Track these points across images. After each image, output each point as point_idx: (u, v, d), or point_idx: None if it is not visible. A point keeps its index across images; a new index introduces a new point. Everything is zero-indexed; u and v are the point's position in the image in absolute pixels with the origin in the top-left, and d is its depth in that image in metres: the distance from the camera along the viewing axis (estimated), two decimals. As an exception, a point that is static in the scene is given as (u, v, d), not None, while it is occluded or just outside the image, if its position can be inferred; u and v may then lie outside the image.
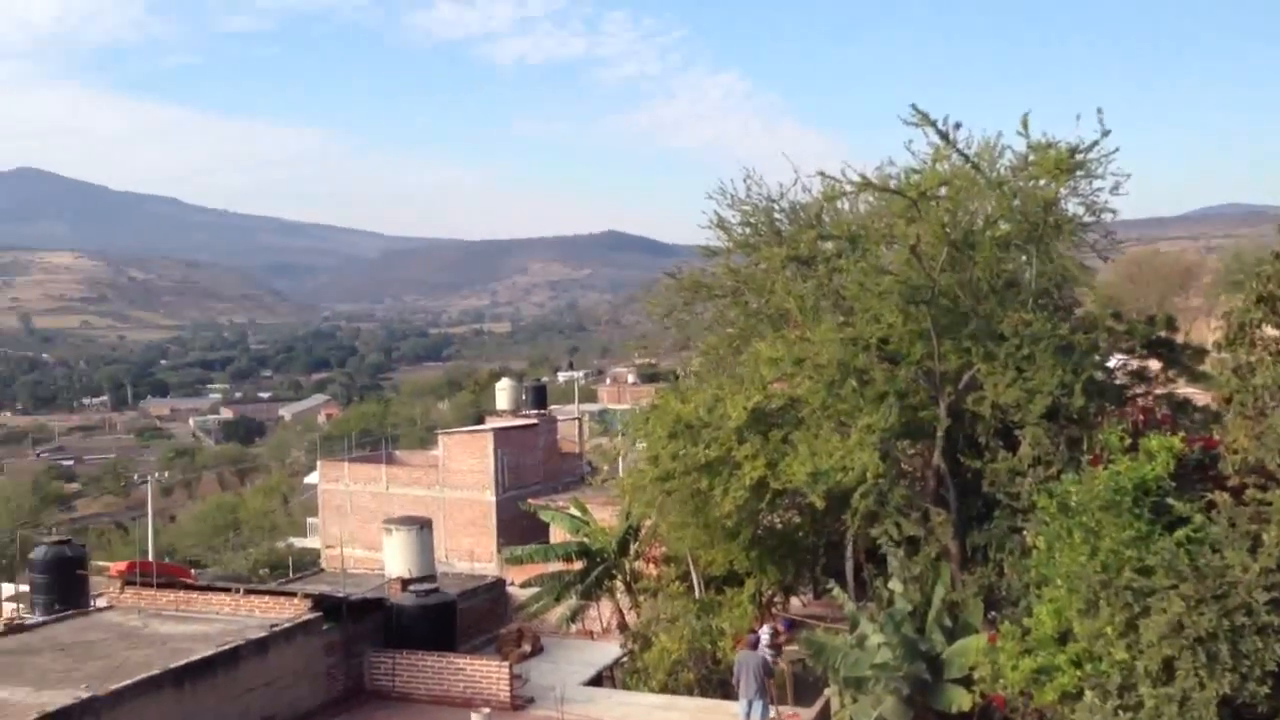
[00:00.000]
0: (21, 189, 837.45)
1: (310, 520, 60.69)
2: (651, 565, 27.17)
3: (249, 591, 20.50)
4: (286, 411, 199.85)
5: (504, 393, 55.44)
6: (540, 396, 54.74)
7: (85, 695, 15.18)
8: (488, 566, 43.06)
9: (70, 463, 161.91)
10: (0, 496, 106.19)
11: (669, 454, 20.24)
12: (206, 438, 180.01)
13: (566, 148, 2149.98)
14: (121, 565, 21.63)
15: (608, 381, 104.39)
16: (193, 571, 27.38)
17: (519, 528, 45.14)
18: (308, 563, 56.62)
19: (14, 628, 19.10)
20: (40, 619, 20.19)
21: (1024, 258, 20.77)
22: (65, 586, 22.37)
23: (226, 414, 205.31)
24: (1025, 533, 17.16)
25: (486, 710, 18.46)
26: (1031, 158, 19.47)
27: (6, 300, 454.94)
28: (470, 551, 46.64)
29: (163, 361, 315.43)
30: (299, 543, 68.67)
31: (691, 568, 24.90)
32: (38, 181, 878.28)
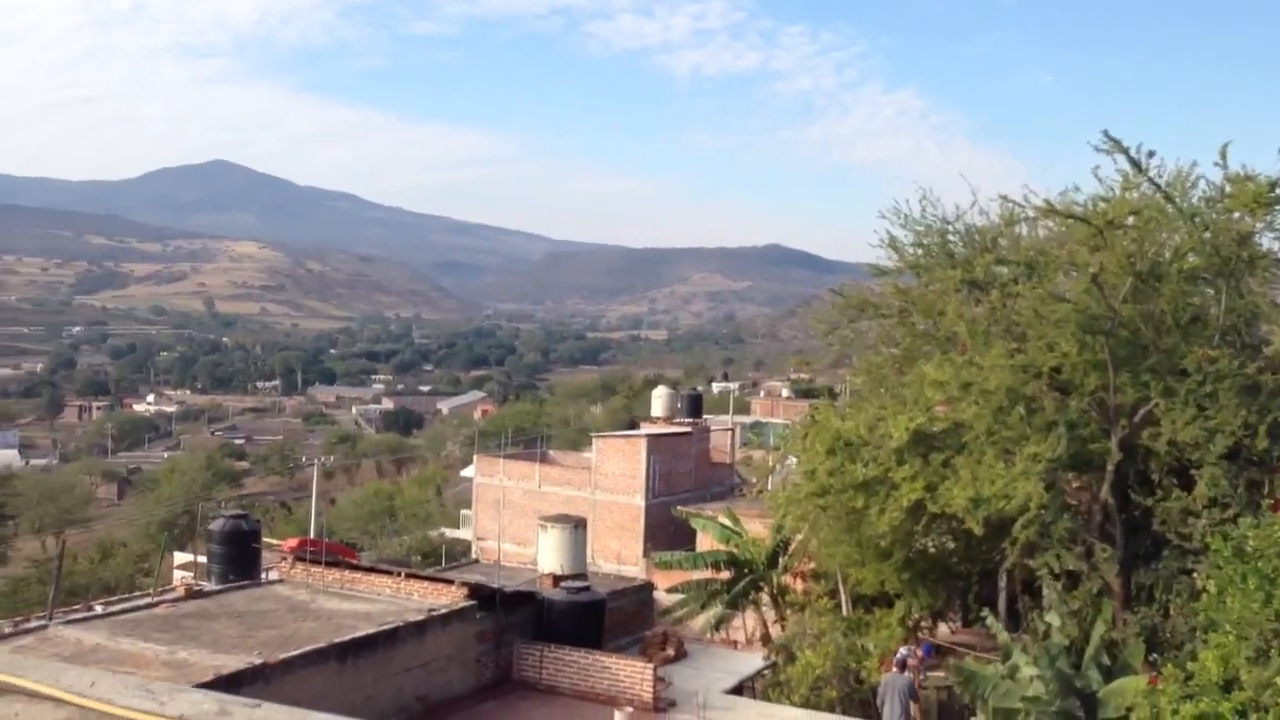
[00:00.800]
0: (215, 181, 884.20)
1: (464, 512, 62.29)
2: (799, 580, 27.06)
3: (409, 575, 21.24)
4: (444, 405, 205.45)
5: (659, 400, 55.87)
6: (695, 405, 54.98)
7: (257, 661, 16.02)
8: (633, 569, 43.51)
9: (242, 441, 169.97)
10: (179, 469, 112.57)
11: (826, 470, 20.18)
12: (367, 426, 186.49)
13: (734, 160, 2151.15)
14: (292, 542, 22.66)
15: (761, 394, 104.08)
16: (356, 553, 28.48)
17: (666, 534, 45.48)
18: (458, 553, 58.24)
19: (194, 594, 20.27)
20: (217, 587, 21.34)
21: (1212, 292, 19.98)
22: (240, 558, 23.53)
23: (387, 404, 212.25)
24: (1195, 575, 16.51)
25: (630, 709, 18.70)
26: (1228, 189, 18.73)
27: (194, 285, 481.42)
28: (617, 554, 47.13)
29: (332, 350, 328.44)
30: (450, 533, 70.62)
31: (840, 585, 24.72)
32: (230, 174, 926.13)
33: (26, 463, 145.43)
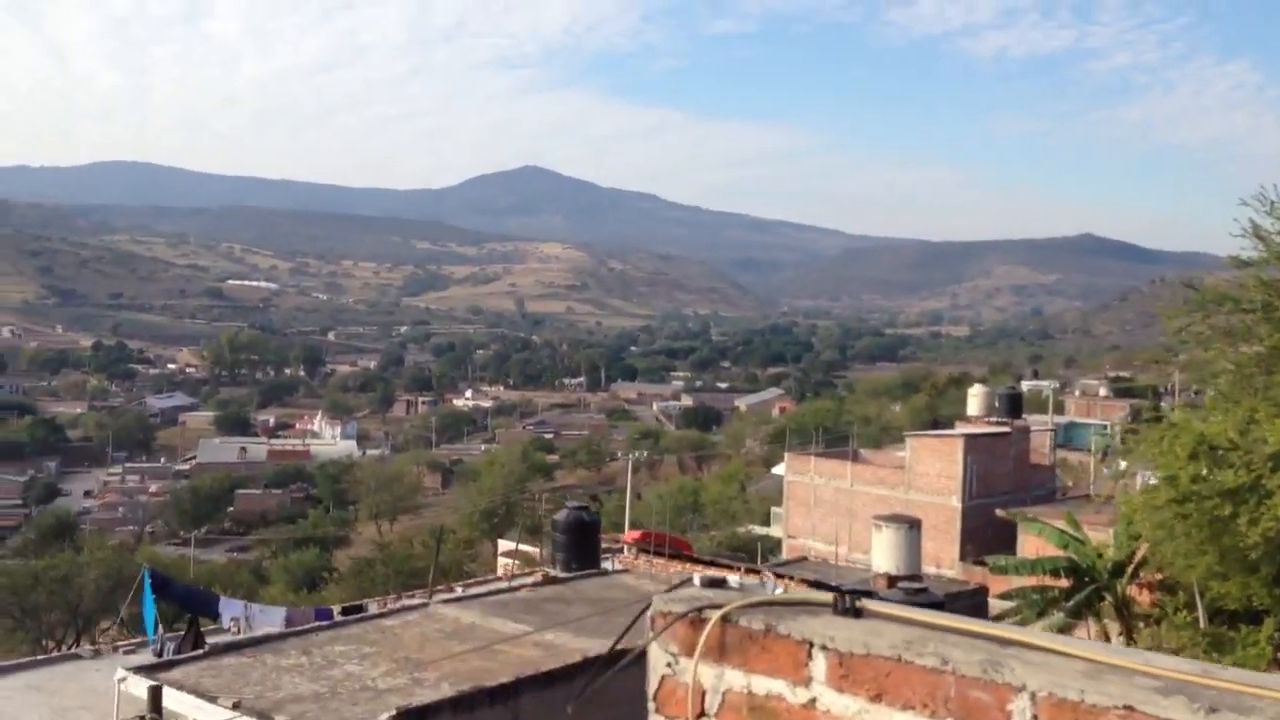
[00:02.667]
0: (525, 186, 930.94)
1: (774, 510, 62.69)
2: (1146, 591, 25.59)
3: (748, 570, 21.71)
4: (742, 402, 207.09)
5: (976, 398, 54.19)
6: (1014, 405, 52.94)
7: (620, 648, 16.86)
8: (949, 573, 42.43)
9: (551, 436, 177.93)
10: (497, 462, 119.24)
11: (1188, 476, 18.98)
12: (668, 422, 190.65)
13: (1041, 146, 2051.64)
14: (634, 534, 23.68)
15: (1076, 393, 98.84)
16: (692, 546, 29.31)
17: (983, 537, 44.08)
18: (767, 549, 58.71)
19: (549, 580, 21.57)
20: (569, 575, 22.58)
21: None
22: (582, 547, 24.82)
23: (687, 401, 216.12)
24: None
25: (976, 716, 18.32)
26: None
27: (507, 286, 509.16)
28: (935, 557, 46.10)
29: (633, 348, 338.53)
30: (757, 530, 71.23)
31: (1197, 599, 23.19)
32: (539, 179, 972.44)
33: (364, 453, 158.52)
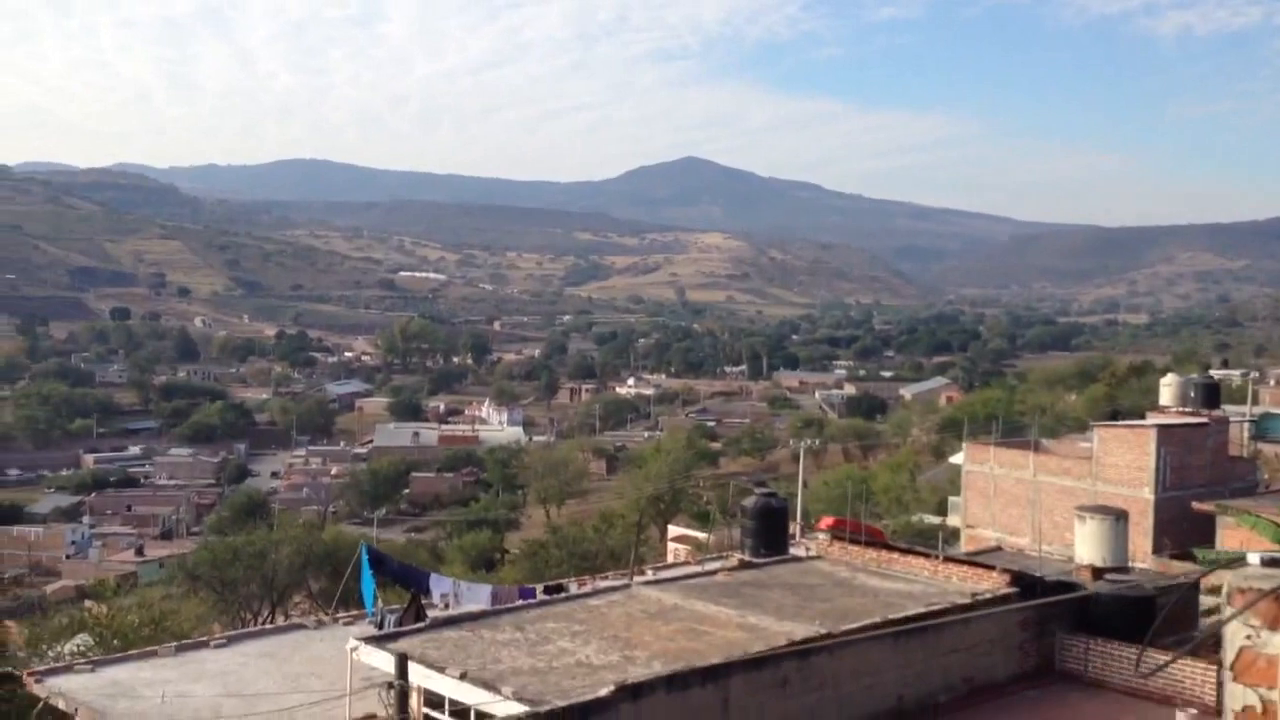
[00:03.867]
0: (685, 177, 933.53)
1: (951, 499, 61.44)
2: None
3: (946, 559, 21.45)
4: (907, 391, 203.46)
5: (1169, 388, 51.98)
6: (1211, 395, 50.56)
7: (821, 630, 16.95)
8: (1141, 566, 40.86)
9: (713, 424, 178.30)
10: (663, 449, 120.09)
11: None
12: (830, 411, 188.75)
13: (1227, 128, 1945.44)
14: (828, 521, 23.67)
15: (1271, 383, 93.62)
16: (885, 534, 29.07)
17: (1178, 530, 42.28)
18: (945, 539, 57.55)
19: (745, 564, 21.78)
20: (764, 560, 22.73)
21: None
22: (770, 532, 24.96)
23: (849, 390, 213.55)
24: None
25: (1192, 711, 17.74)
26: None
27: (667, 275, 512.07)
28: (1128, 551, 44.46)
29: (794, 336, 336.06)
30: (929, 519, 69.93)
31: None
32: (699, 170, 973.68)
33: (530, 439, 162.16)
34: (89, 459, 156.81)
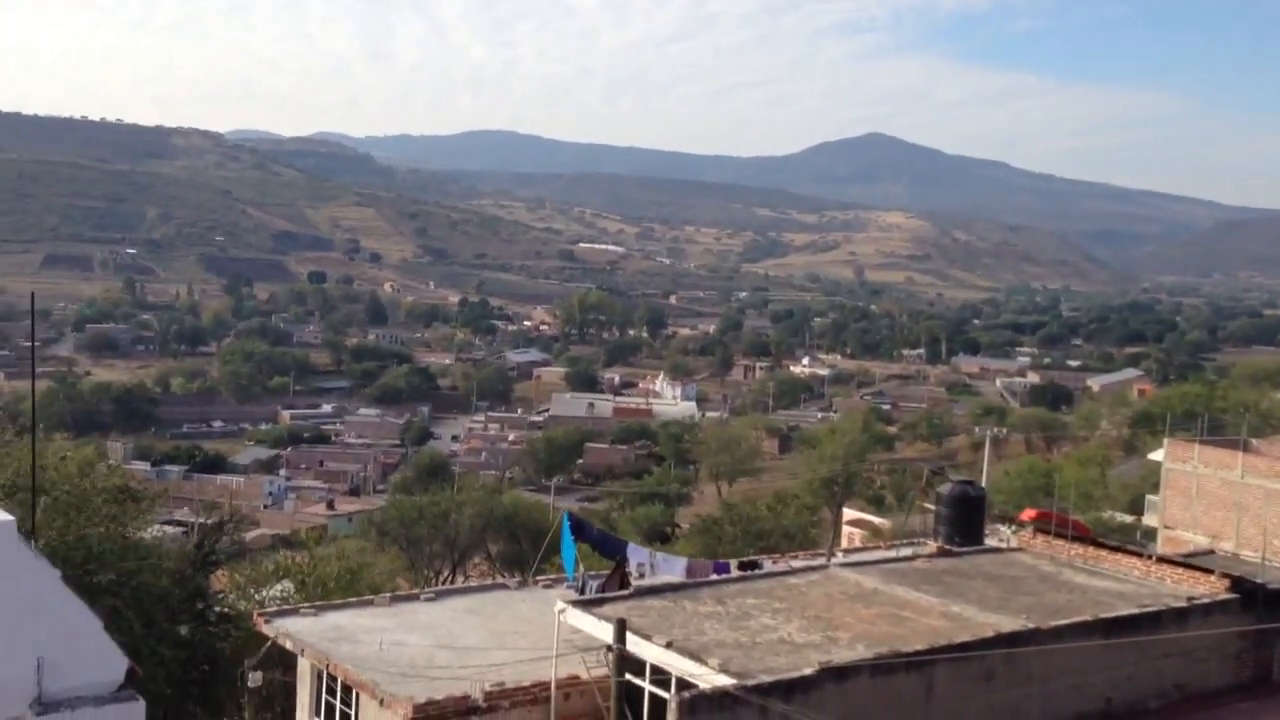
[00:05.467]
0: (868, 153, 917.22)
1: (1149, 498, 58.91)
2: None
3: (1160, 560, 20.65)
4: (1095, 382, 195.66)
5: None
6: None
7: (1030, 625, 16.58)
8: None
9: (889, 407, 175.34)
10: (838, 430, 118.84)
11: None
12: (1012, 399, 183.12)
13: None
14: (1030, 513, 23.07)
15: None
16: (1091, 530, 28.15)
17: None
18: (1141, 539, 55.23)
19: (944, 552, 21.44)
20: (964, 549, 22.32)
21: None
22: (965, 522, 24.45)
23: (1033, 378, 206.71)
24: None
25: None
26: None
27: (845, 254, 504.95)
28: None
29: (976, 321, 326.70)
30: (1121, 517, 67.21)
31: None
32: (881, 146, 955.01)
33: (703, 414, 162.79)
34: (286, 415, 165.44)
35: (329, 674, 18.42)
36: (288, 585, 36.12)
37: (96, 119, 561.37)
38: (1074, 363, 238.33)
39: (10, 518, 8.51)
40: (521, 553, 64.92)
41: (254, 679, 20.57)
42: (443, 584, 56.75)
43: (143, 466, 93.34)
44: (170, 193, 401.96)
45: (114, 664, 8.91)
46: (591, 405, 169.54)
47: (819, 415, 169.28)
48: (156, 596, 25.41)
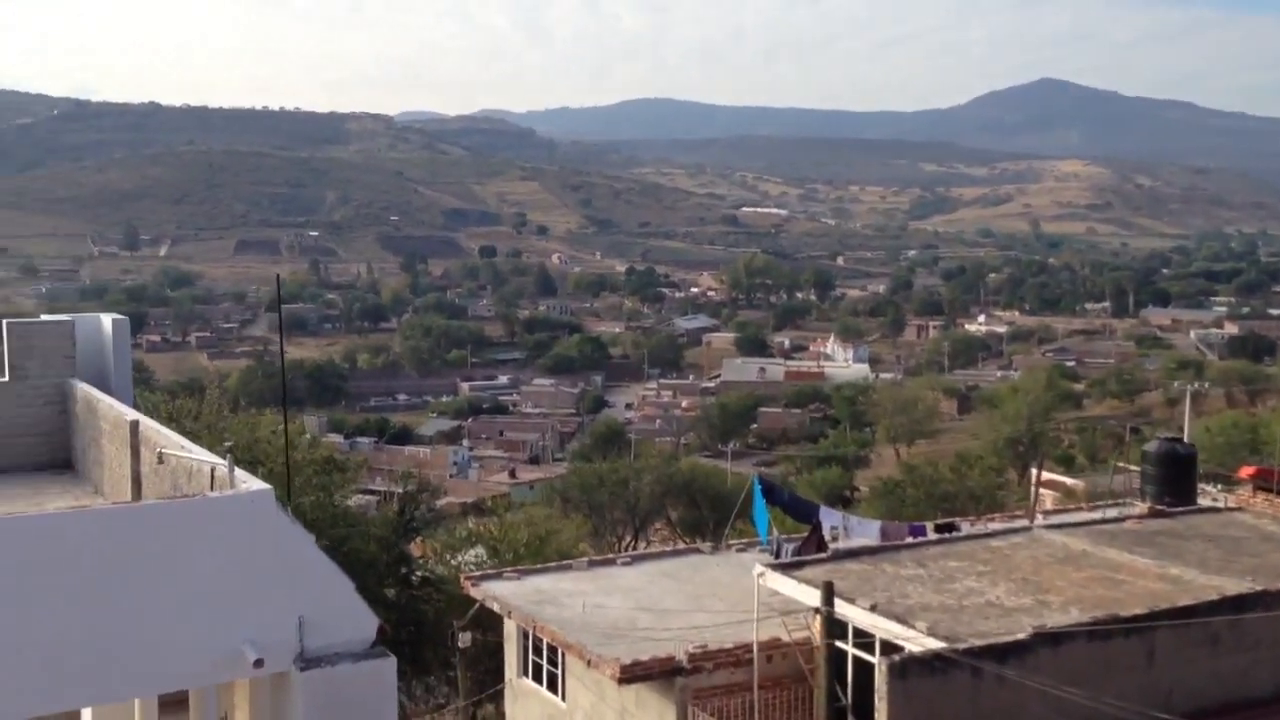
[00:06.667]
0: (1039, 100, 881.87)
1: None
2: None
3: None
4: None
5: None
6: None
7: (1256, 588, 15.79)
8: None
9: (1073, 364, 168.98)
10: (1020, 389, 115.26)
11: None
12: (1209, 352, 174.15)
13: None
14: (1251, 469, 21.93)
15: None
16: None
17: None
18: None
19: (1156, 513, 20.59)
20: (1179, 509, 21.37)
21: None
22: (1174, 480, 23.38)
23: (1231, 329, 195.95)
24: None
25: None
26: None
27: (1019, 206, 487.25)
28: None
29: (1164, 270, 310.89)
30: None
31: None
32: (1054, 92, 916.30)
33: (876, 376, 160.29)
34: (465, 387, 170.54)
35: (535, 635, 19.00)
36: (480, 551, 37.34)
37: (276, 109, 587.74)
38: (1276, 311, 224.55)
39: (268, 486, 9.09)
40: (701, 518, 65.50)
41: (464, 639, 21.39)
42: (625, 549, 57.73)
43: (336, 439, 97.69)
44: (347, 176, 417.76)
45: (366, 623, 9.44)
46: (762, 370, 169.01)
47: (998, 374, 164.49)
48: (365, 562, 26.66)
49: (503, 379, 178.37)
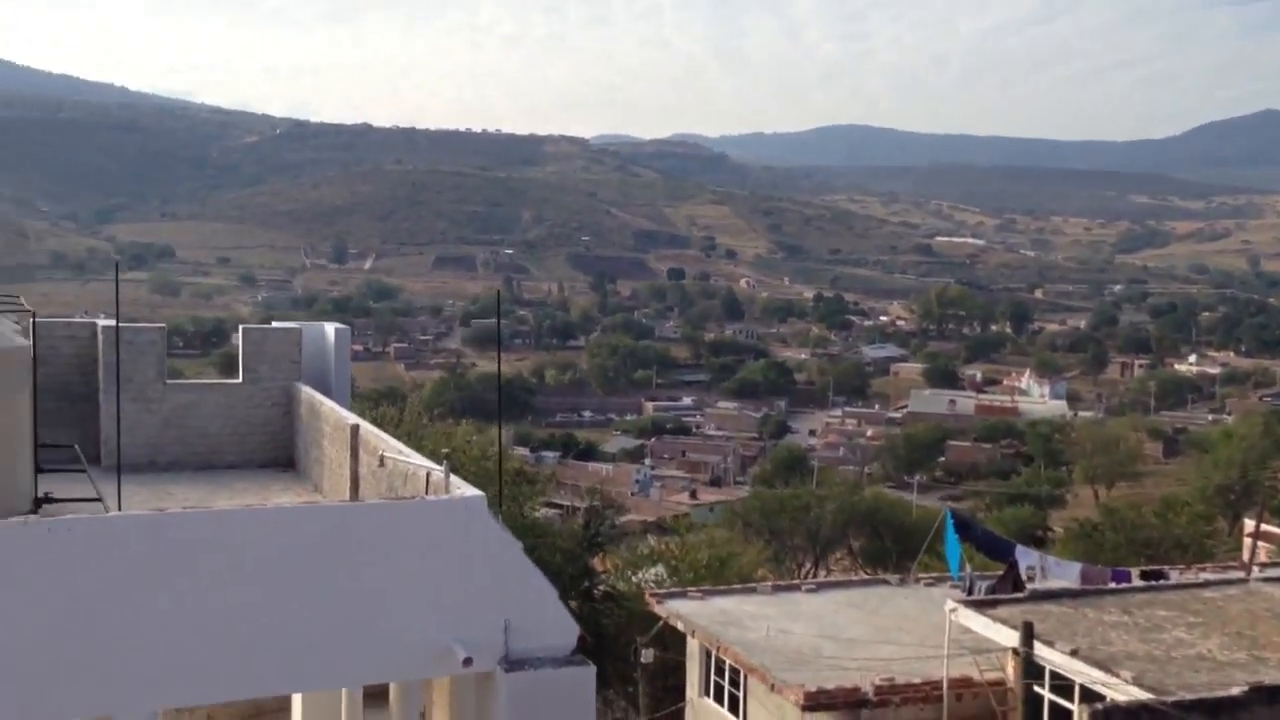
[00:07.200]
0: (1262, 132, 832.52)
1: None
2: None
3: None
4: None
5: None
6: None
7: None
8: None
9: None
10: (1235, 434, 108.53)
11: None
12: None
13: None
14: None
15: None
16: None
17: None
18: None
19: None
20: None
21: None
22: None
23: None
24: None
25: None
26: None
27: (1237, 242, 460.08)
28: None
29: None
30: None
31: None
32: (1277, 124, 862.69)
33: (1075, 414, 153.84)
34: (649, 406, 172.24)
35: (718, 655, 19.05)
36: (660, 569, 37.60)
37: (478, 130, 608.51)
38: None
39: (481, 493, 9.51)
40: (885, 549, 64.22)
41: (646, 655, 21.63)
42: (805, 576, 57.10)
43: (523, 452, 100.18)
44: (542, 196, 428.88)
45: (568, 630, 9.73)
46: (953, 402, 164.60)
47: (1209, 417, 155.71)
48: (551, 573, 27.26)
49: (687, 400, 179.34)
